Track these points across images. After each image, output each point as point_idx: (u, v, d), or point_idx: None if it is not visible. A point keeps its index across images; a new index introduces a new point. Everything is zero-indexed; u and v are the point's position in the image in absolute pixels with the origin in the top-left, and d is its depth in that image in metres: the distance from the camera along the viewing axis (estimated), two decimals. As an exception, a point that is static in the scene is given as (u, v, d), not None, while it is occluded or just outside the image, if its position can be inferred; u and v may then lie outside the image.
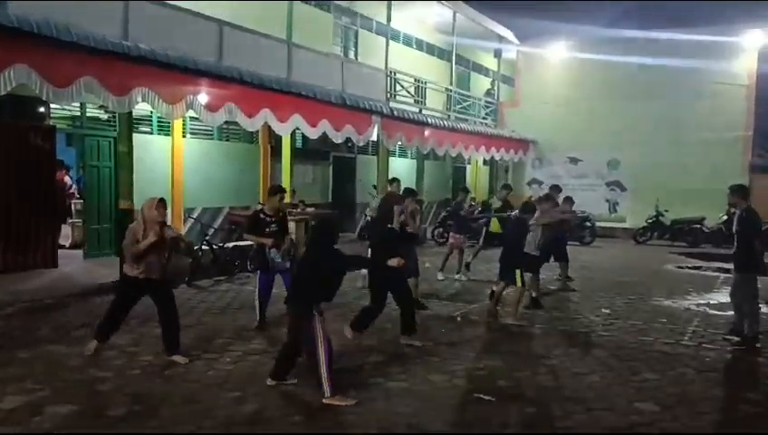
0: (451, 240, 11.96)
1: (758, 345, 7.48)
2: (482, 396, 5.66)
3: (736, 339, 7.71)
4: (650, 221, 19.68)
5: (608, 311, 9.47)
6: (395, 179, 10.63)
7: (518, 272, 8.56)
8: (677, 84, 20.23)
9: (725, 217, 18.67)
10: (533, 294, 9.68)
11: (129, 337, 7.19)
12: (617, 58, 20.70)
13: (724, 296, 10.80)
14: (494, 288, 9.07)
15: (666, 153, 20.38)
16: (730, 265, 14.48)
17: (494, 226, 12.37)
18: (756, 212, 7.80)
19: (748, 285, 7.73)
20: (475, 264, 12.59)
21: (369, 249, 8.74)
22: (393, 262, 6.09)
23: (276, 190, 8.21)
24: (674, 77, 20.15)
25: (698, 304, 10.10)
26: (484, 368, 6.54)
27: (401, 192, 9.22)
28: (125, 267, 6.42)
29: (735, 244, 7.89)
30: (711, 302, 10.33)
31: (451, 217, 14.15)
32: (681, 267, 14.58)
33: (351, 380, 5.89)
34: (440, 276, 11.66)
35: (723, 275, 13.17)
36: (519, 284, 8.58)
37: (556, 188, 11.81)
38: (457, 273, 11.86)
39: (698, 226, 18.99)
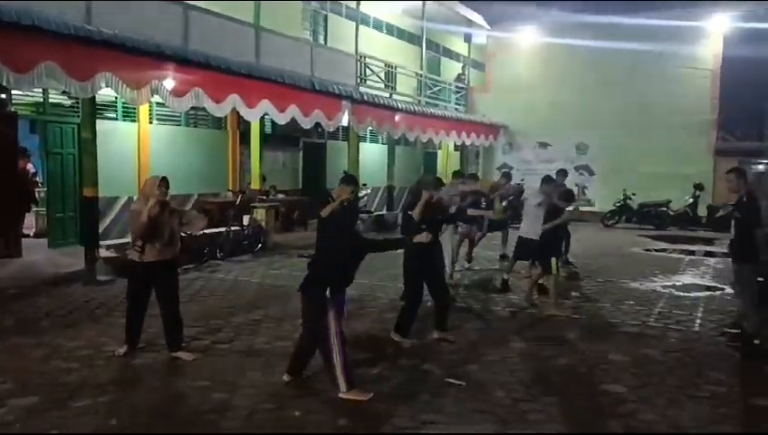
0: (460, 229, 11.69)
1: (756, 342, 6.79)
2: (452, 381, 5.69)
3: (734, 332, 7.35)
4: (618, 205, 19.94)
5: (576, 294, 9.58)
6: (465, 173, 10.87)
7: (554, 260, 8.48)
8: (645, 69, 20.43)
9: (691, 200, 19.11)
10: (505, 277, 9.78)
11: (95, 327, 7.11)
12: (585, 43, 20.84)
13: (689, 278, 11.06)
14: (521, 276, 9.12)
15: (633, 137, 20.60)
16: (695, 247, 15.00)
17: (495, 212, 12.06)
18: (757, 199, 7.05)
19: (746, 277, 7.00)
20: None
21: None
22: (421, 237, 5.98)
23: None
24: (641, 61, 20.33)
25: (664, 286, 10.27)
26: (454, 352, 6.57)
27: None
28: (133, 254, 6.02)
29: (734, 232, 7.03)
30: (677, 283, 10.51)
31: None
32: (648, 250, 14.80)
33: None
34: (457, 267, 11.02)
35: (687, 258, 13.49)
36: (555, 271, 8.49)
37: (563, 173, 11.55)
38: (468, 262, 11.53)
39: (665, 209, 19.32)
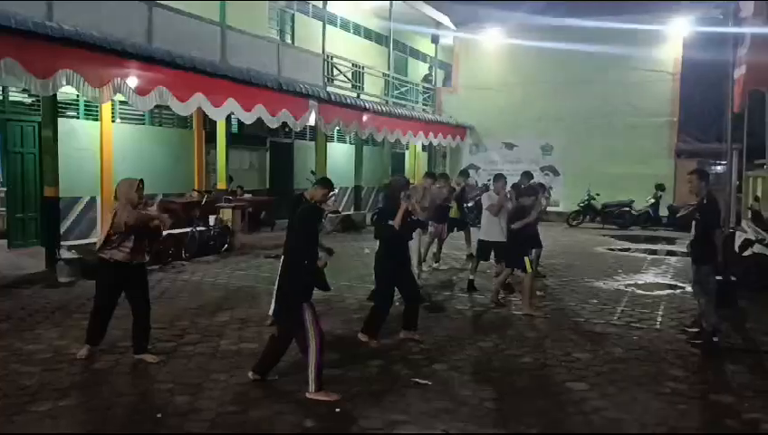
0: (431, 229, 11.30)
1: (715, 339, 6.93)
2: (419, 381, 5.71)
3: (694, 330, 7.44)
4: (582, 205, 20.24)
5: (541, 293, 9.67)
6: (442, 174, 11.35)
7: (527, 258, 8.36)
8: (608, 71, 20.74)
9: (653, 201, 19.50)
10: (471, 277, 9.83)
11: (56, 330, 6.97)
12: (550, 45, 21.04)
13: (651, 277, 11.27)
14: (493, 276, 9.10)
15: (597, 138, 20.94)
16: (656, 247, 15.30)
17: (453, 211, 12.16)
18: (718, 200, 7.22)
19: (706, 277, 7.12)
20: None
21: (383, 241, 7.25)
22: (320, 263, 5.52)
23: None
24: (604, 64, 20.60)
25: (627, 285, 10.44)
26: (420, 352, 6.60)
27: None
28: (108, 253, 5.89)
29: (694, 233, 7.17)
30: (639, 282, 10.70)
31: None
32: (611, 249, 15.04)
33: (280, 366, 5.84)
34: (425, 268, 11.00)
35: (649, 257, 13.75)
36: (529, 269, 8.33)
37: (527, 175, 11.21)
38: (436, 262, 11.67)
39: (627, 209, 19.69)
